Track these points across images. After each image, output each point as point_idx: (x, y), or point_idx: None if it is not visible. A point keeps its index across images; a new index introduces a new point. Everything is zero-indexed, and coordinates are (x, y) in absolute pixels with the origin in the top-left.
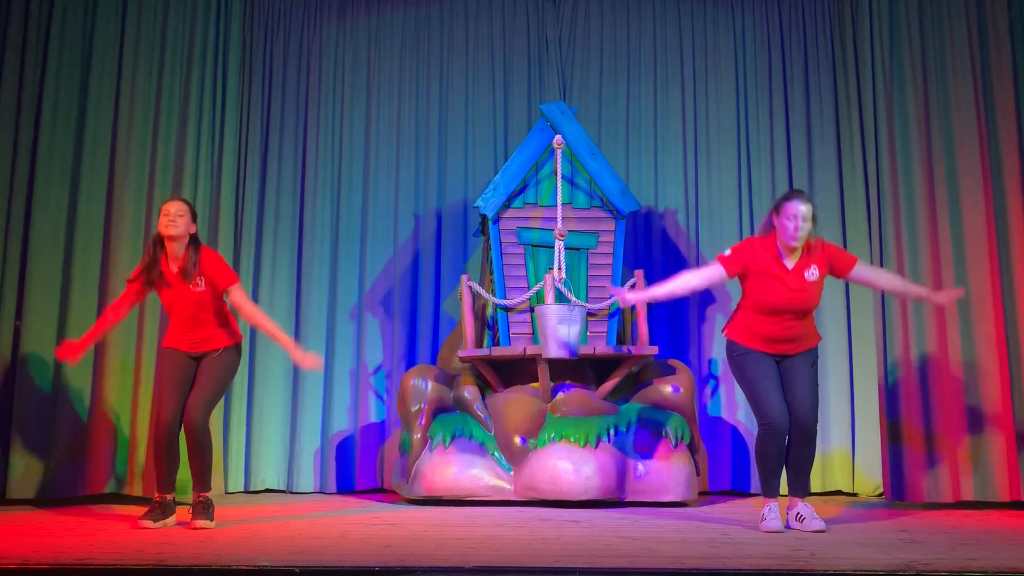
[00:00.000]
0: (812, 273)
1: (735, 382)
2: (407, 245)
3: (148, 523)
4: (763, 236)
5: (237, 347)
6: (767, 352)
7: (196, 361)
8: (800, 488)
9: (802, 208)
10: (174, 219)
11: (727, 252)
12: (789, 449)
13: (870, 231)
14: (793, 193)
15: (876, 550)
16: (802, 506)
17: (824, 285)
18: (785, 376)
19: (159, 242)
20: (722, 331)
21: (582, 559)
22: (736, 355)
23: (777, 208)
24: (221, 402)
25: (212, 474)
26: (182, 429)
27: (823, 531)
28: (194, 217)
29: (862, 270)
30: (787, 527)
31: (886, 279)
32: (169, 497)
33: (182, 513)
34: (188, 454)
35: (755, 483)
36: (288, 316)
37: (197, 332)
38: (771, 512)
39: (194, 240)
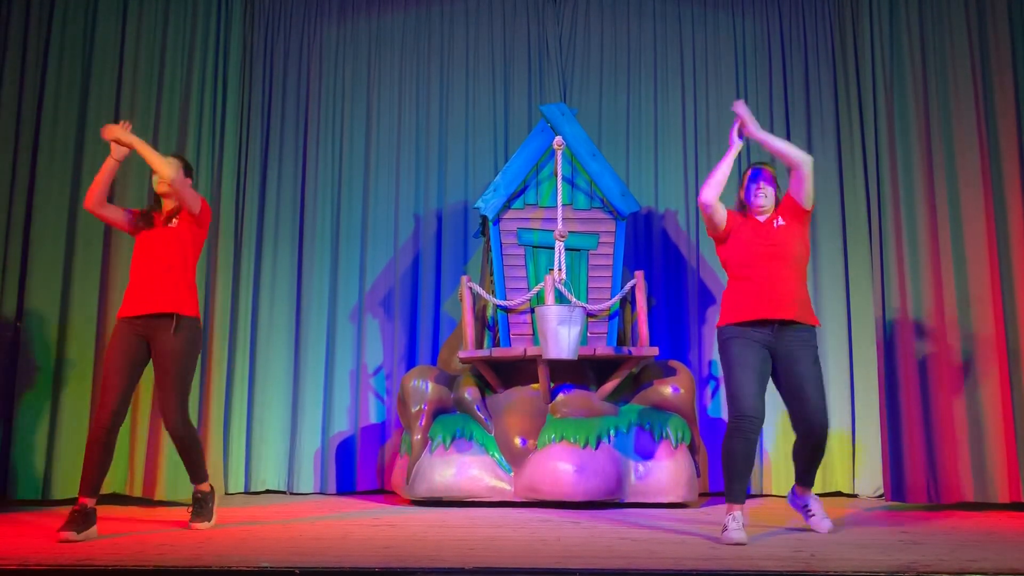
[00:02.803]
0: (778, 221)
1: None
2: (407, 246)
3: (72, 535)
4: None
5: (194, 322)
6: (760, 320)
7: (147, 340)
8: (808, 480)
9: (761, 170)
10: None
11: None
12: (803, 451)
13: (870, 231)
14: (752, 163)
15: (877, 551)
16: (813, 500)
17: (804, 238)
18: (792, 377)
19: (156, 198)
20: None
21: (582, 560)
22: (724, 338)
23: (741, 181)
24: (221, 403)
25: (206, 465)
26: (165, 431)
27: (831, 531)
28: (187, 171)
29: (795, 185)
30: (792, 506)
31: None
32: (91, 503)
33: (180, 513)
34: (178, 453)
35: (755, 484)
36: (288, 317)
37: (160, 282)
38: (734, 522)
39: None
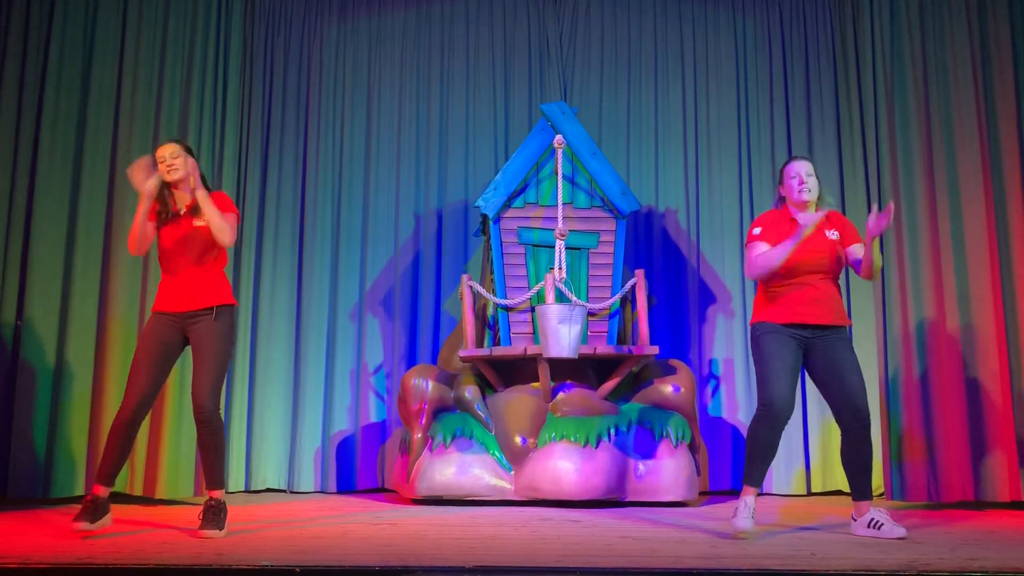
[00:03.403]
0: (832, 233)
1: (735, 382)
2: (408, 245)
3: (85, 525)
4: (775, 209)
5: (231, 310)
6: (795, 323)
7: (184, 334)
8: (866, 491)
9: (800, 165)
10: (171, 163)
11: (757, 231)
12: (852, 449)
13: None
14: (791, 157)
15: (877, 550)
16: (876, 512)
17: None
18: (833, 367)
19: (167, 187)
20: (750, 321)
21: (583, 559)
22: (758, 334)
23: (780, 177)
24: (222, 401)
25: (225, 470)
26: (193, 417)
27: (904, 538)
28: (190, 152)
29: (857, 251)
30: (859, 534)
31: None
32: (105, 493)
33: (186, 513)
34: (199, 445)
35: None
36: (289, 316)
37: (199, 280)
38: (745, 508)
39: (201, 177)
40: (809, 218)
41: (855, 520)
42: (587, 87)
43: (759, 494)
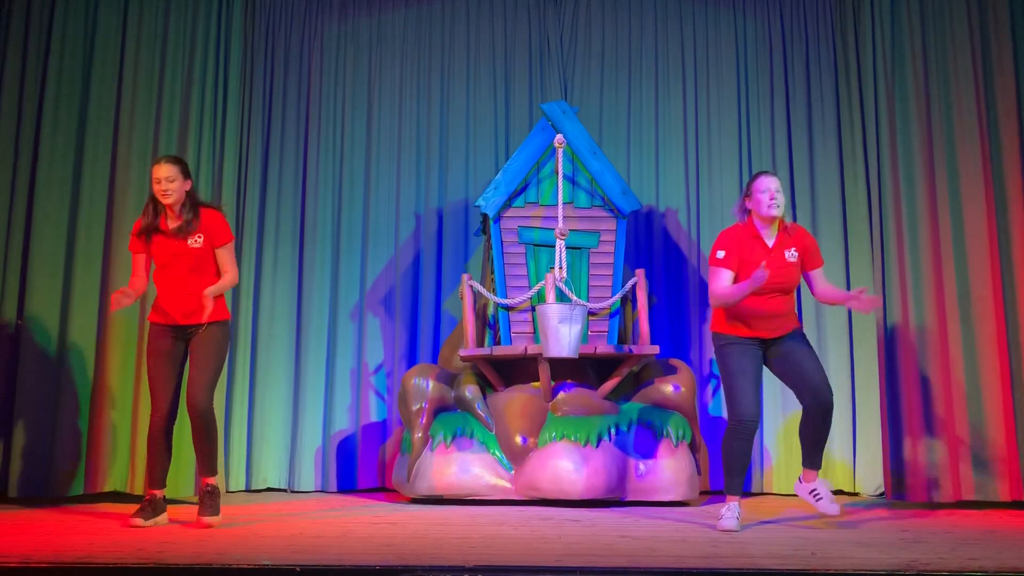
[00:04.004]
0: (792, 254)
1: None
2: (408, 244)
3: (139, 521)
4: (738, 224)
5: (225, 324)
6: (752, 336)
7: (184, 341)
8: (816, 461)
9: (770, 180)
10: (166, 188)
11: (720, 255)
12: (809, 426)
13: (871, 231)
14: (759, 172)
15: (877, 550)
16: (820, 484)
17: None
18: (790, 360)
19: (157, 202)
20: (709, 328)
21: (583, 558)
22: (719, 345)
23: (748, 191)
24: (222, 400)
25: (218, 459)
26: (186, 412)
27: (836, 516)
28: (187, 174)
29: (818, 276)
30: (799, 495)
31: (826, 287)
32: (160, 494)
33: (186, 512)
34: (193, 437)
35: (756, 483)
36: (289, 316)
37: (189, 298)
38: (729, 512)
39: (191, 197)
40: (762, 275)
41: (800, 483)
42: (587, 86)
43: (745, 495)
